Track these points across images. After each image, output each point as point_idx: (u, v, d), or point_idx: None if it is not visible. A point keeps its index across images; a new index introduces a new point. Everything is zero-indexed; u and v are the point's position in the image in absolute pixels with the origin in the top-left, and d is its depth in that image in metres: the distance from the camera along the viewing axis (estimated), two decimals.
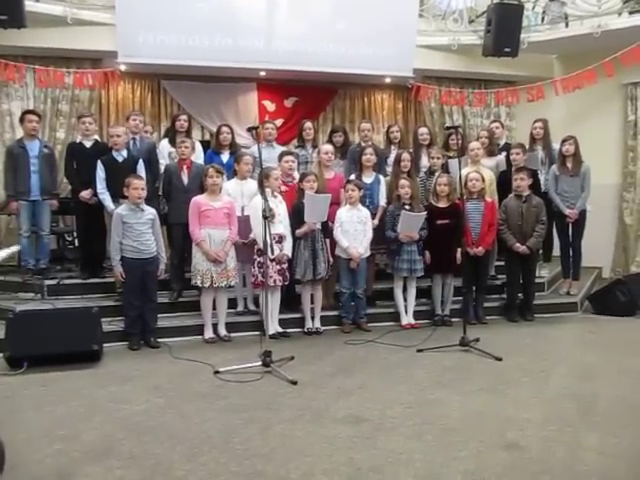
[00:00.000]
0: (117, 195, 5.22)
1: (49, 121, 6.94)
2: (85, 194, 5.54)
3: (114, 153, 5.48)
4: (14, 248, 3.14)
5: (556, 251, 6.50)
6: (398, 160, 5.71)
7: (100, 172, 5.36)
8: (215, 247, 4.97)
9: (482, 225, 5.57)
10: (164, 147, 6.09)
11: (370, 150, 5.71)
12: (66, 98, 7.02)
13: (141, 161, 5.52)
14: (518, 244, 5.64)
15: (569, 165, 6.05)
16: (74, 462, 2.92)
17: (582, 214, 6.11)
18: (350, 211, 5.35)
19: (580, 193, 6.04)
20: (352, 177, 5.65)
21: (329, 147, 5.76)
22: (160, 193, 5.69)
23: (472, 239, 5.53)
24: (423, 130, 6.45)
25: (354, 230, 5.32)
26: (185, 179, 5.43)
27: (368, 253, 5.45)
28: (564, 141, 6.05)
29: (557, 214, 6.19)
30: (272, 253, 4.62)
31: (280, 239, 5.05)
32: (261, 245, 4.84)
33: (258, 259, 5.05)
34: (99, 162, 5.39)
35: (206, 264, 4.96)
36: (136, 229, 4.82)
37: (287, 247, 5.13)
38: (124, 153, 5.51)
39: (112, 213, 5.04)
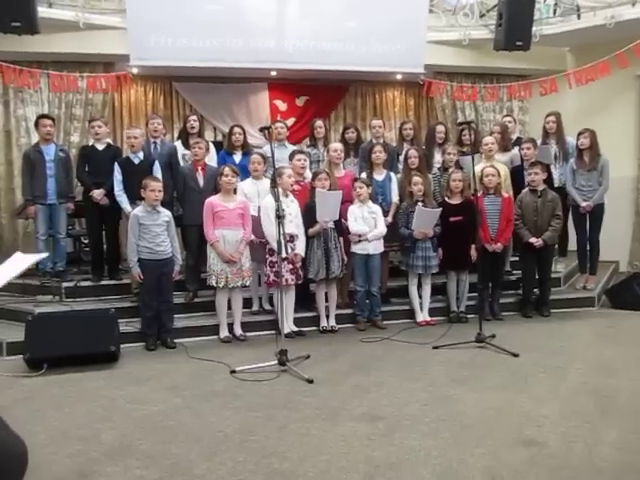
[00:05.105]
0: (134, 197, 5.26)
1: (63, 125, 7.03)
2: (96, 194, 5.57)
3: (130, 155, 5.52)
4: (42, 255, 3.15)
5: (572, 245, 6.44)
6: (406, 157, 5.73)
7: (117, 174, 5.40)
8: (229, 248, 4.99)
9: (500, 220, 5.53)
10: (177, 149, 6.11)
11: (379, 148, 5.70)
12: (80, 102, 7.10)
13: (157, 163, 5.54)
14: (534, 238, 5.58)
15: (586, 159, 5.96)
16: (93, 462, 2.95)
17: (600, 207, 6.02)
18: (360, 208, 5.35)
19: (598, 187, 5.95)
20: (363, 175, 5.65)
21: (338, 145, 5.76)
22: (175, 195, 5.73)
23: (490, 235, 5.51)
24: (441, 128, 6.44)
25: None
26: (201, 181, 5.45)
27: (382, 249, 5.44)
28: (579, 134, 5.96)
29: (574, 208, 6.12)
30: (285, 252, 4.63)
31: (292, 238, 5.05)
32: (272, 245, 4.85)
33: (270, 259, 5.07)
34: (116, 164, 5.43)
35: (221, 264, 4.98)
36: (152, 230, 4.86)
37: (300, 246, 5.14)
38: (140, 155, 5.53)
39: (129, 215, 5.08)
